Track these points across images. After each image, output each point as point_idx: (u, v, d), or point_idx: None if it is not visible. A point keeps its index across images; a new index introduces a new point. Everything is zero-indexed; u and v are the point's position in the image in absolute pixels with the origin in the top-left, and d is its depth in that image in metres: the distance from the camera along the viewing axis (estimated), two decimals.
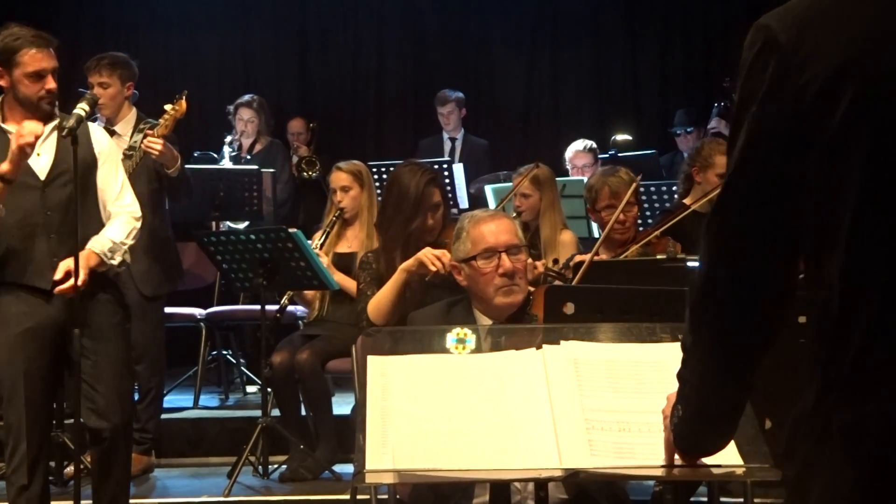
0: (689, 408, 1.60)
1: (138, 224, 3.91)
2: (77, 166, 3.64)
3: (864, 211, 1.31)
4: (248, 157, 7.03)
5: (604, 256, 4.37)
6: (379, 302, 3.83)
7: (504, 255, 3.14)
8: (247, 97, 7.19)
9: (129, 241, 3.86)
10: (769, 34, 1.37)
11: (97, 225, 3.82)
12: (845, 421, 1.31)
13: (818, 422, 1.33)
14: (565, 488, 2.81)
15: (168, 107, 4.69)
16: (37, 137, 3.59)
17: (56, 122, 3.78)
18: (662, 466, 2.00)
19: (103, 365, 3.74)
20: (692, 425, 1.62)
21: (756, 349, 1.48)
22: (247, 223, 6.36)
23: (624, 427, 2.08)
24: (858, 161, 1.31)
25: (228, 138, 7.14)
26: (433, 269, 3.68)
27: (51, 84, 3.73)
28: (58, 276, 3.65)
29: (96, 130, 3.99)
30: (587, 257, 4.07)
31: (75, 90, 3.93)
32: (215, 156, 7.14)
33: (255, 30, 8.95)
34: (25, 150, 3.58)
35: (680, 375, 1.60)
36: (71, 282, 3.61)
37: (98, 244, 3.77)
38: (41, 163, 3.76)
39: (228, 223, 6.44)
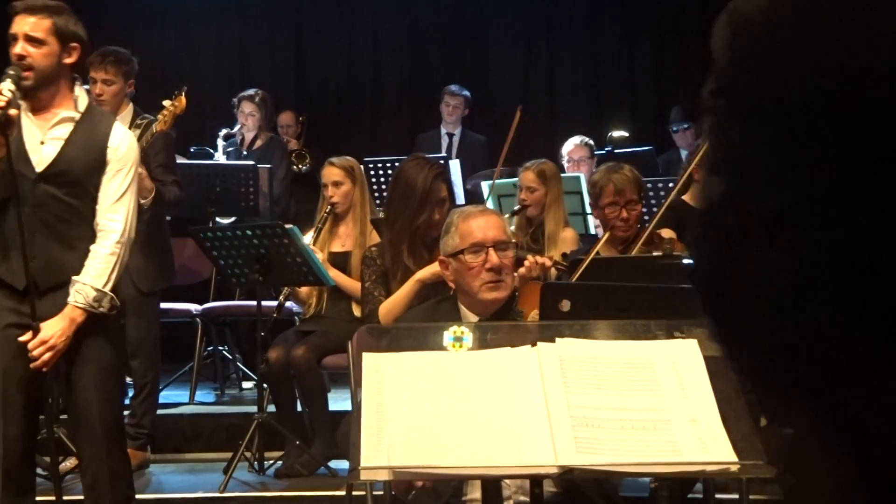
0: None
1: (122, 251, 3.49)
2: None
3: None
4: (245, 152, 7.00)
5: (608, 254, 4.37)
6: (391, 308, 3.83)
7: (491, 251, 3.16)
8: (251, 91, 7.13)
9: (113, 280, 3.47)
10: (737, 15, 1.35)
11: (88, 237, 3.50)
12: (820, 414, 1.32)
13: (798, 409, 1.34)
14: (557, 483, 2.82)
15: (167, 102, 4.67)
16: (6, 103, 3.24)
17: (74, 113, 3.51)
18: (657, 464, 2.01)
19: (89, 371, 3.48)
20: None
21: None
22: (234, 218, 6.35)
23: (613, 424, 2.08)
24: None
25: (223, 132, 7.12)
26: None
27: (16, 49, 3.40)
28: (31, 343, 3.35)
29: (122, 134, 3.59)
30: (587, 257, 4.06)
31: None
32: (212, 151, 7.13)
33: (251, 24, 8.95)
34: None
35: None
36: (41, 350, 3.34)
37: (81, 296, 3.42)
38: (43, 153, 3.46)
39: (217, 218, 6.42)
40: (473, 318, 3.18)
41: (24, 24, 3.45)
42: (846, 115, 1.31)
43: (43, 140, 3.47)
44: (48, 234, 3.45)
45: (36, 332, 3.37)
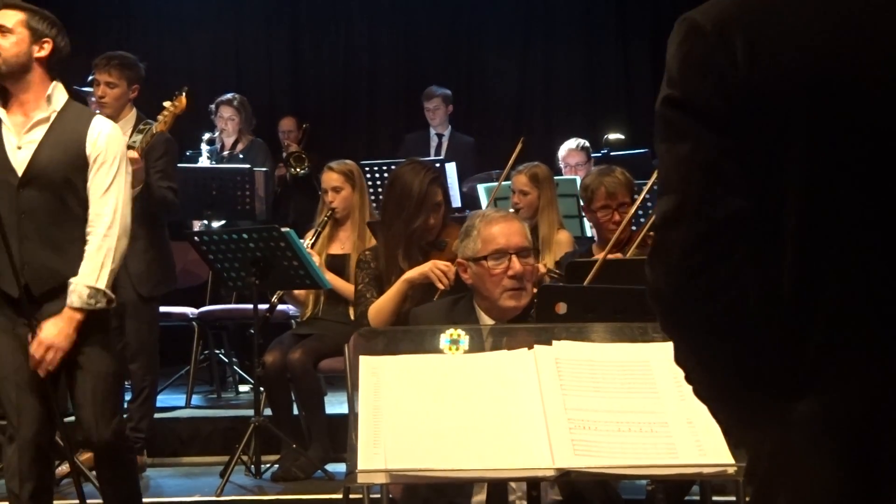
0: None
1: (111, 243, 3.43)
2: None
3: (812, 202, 1.32)
4: (226, 154, 6.98)
5: (599, 256, 4.38)
6: (380, 309, 3.82)
7: (514, 258, 3.14)
8: (228, 95, 7.15)
9: (106, 275, 3.41)
10: (693, 23, 1.39)
11: (82, 238, 3.43)
12: (814, 411, 1.31)
13: (780, 409, 1.34)
14: (559, 488, 2.81)
15: (167, 103, 4.66)
16: None
17: (47, 113, 3.46)
18: (654, 466, 2.01)
19: (88, 381, 3.45)
20: None
21: None
22: (223, 221, 6.34)
23: (610, 426, 2.09)
24: (801, 154, 1.32)
25: (206, 136, 7.11)
26: (440, 286, 3.69)
27: None
28: (32, 346, 3.34)
29: (101, 127, 3.50)
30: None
31: (69, 85, 3.82)
32: (188, 154, 7.09)
33: (246, 27, 8.94)
34: None
35: None
36: (41, 352, 3.32)
37: (76, 295, 3.38)
38: (19, 157, 3.41)
39: (204, 221, 6.41)
40: (489, 321, 3.16)
41: None
42: (814, 122, 1.31)
43: (20, 145, 3.44)
44: (38, 239, 3.41)
45: (34, 331, 3.35)
